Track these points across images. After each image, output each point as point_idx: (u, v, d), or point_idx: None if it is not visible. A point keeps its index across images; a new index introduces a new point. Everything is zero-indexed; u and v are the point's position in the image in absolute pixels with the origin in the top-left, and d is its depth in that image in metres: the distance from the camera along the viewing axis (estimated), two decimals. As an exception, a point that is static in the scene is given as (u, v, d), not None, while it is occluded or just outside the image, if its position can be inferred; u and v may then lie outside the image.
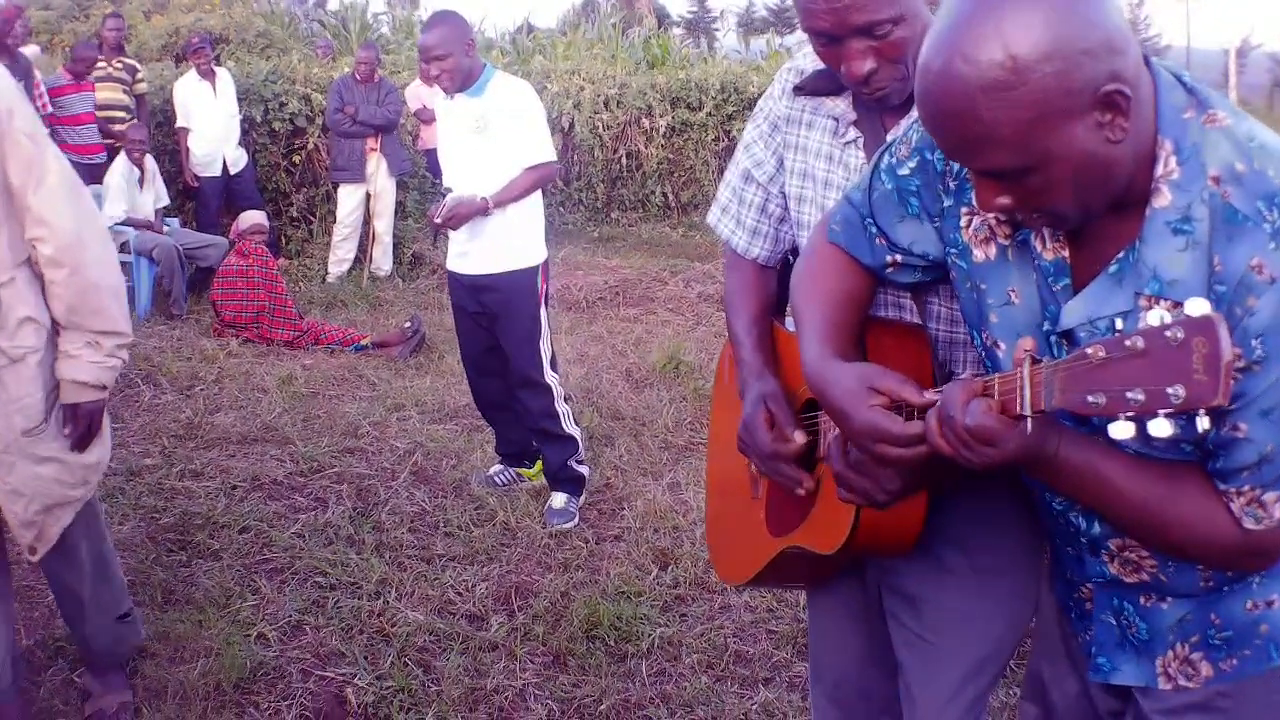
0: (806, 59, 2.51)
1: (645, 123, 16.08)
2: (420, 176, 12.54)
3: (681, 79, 16.81)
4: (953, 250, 2.08)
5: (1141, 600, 2.04)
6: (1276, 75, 45.88)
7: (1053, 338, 1.90)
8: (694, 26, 60.15)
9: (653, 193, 16.16)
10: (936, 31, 1.70)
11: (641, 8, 34.27)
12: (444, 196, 5.72)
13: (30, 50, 11.89)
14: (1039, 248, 1.91)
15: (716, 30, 58.81)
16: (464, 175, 5.70)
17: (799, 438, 2.33)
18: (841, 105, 2.45)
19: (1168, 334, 1.48)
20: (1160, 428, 1.49)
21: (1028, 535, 2.34)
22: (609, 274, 12.08)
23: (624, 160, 16.06)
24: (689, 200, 16.20)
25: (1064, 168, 1.67)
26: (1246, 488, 1.77)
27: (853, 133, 2.44)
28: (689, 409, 7.52)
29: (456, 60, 5.54)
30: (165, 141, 11.78)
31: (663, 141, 16.12)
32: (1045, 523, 2.19)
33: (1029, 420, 1.69)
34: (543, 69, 17.57)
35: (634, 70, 19.04)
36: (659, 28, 30.87)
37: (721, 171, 15.87)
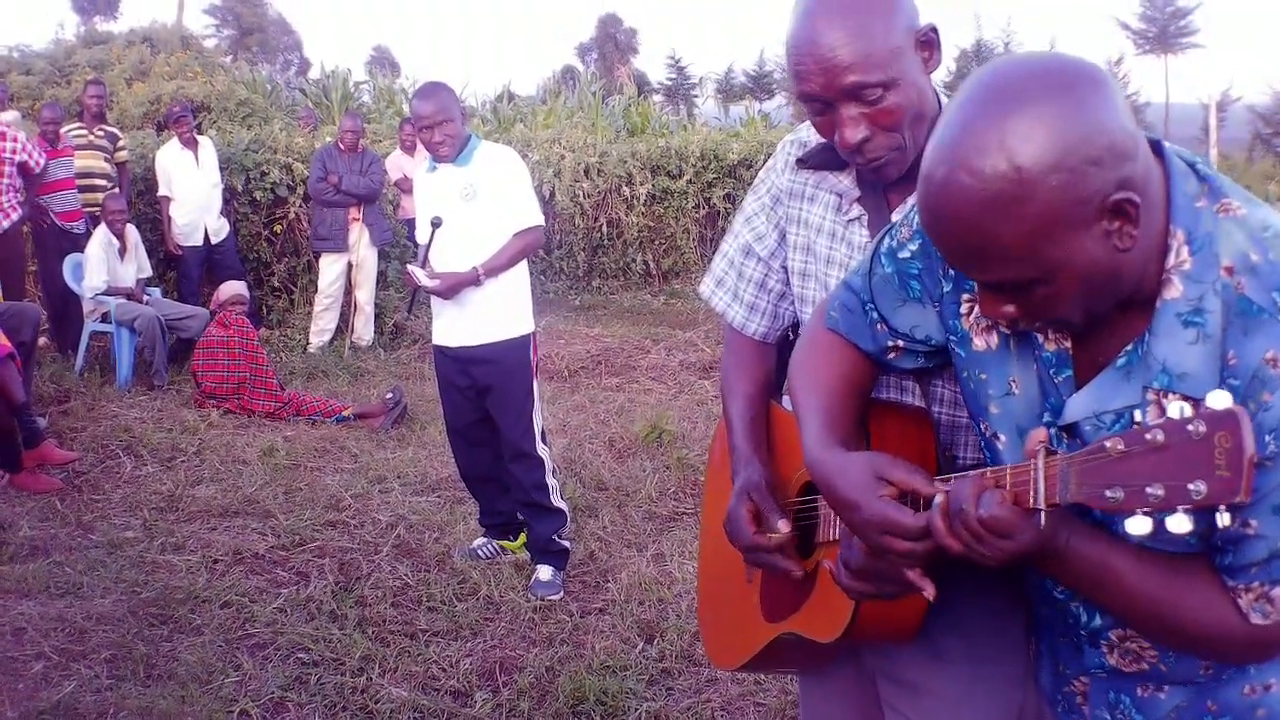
0: (809, 131, 2.48)
1: (626, 191, 16.14)
2: (402, 246, 12.54)
3: (661, 147, 16.91)
4: (953, 337, 2.04)
5: (1139, 691, 2.00)
6: (1257, 129, 45.94)
7: (1053, 430, 1.85)
8: (673, 93, 60.46)
9: (634, 260, 16.21)
10: (938, 139, 1.67)
11: (621, 75, 34.61)
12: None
13: (11, 115, 11.89)
14: (1040, 338, 1.88)
15: (695, 97, 59.13)
16: (453, 244, 5.71)
17: (783, 528, 2.30)
18: (845, 181, 2.42)
19: (1189, 428, 1.45)
20: (1179, 523, 1.47)
21: (1020, 622, 2.30)
22: (591, 343, 12.08)
23: (605, 228, 16.11)
24: (670, 268, 16.25)
25: (1071, 279, 1.64)
26: (1256, 584, 1.73)
27: (856, 209, 2.41)
28: (673, 478, 7.49)
29: (457, 126, 5.59)
30: (147, 210, 11.76)
31: (643, 209, 16.18)
32: (1040, 612, 2.15)
33: (1043, 513, 1.65)
34: (523, 137, 17.63)
35: (614, 138, 19.16)
36: (639, 95, 31.06)
37: (702, 239, 16.02)
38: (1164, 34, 61.04)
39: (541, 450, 5.86)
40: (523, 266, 5.85)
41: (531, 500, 5.86)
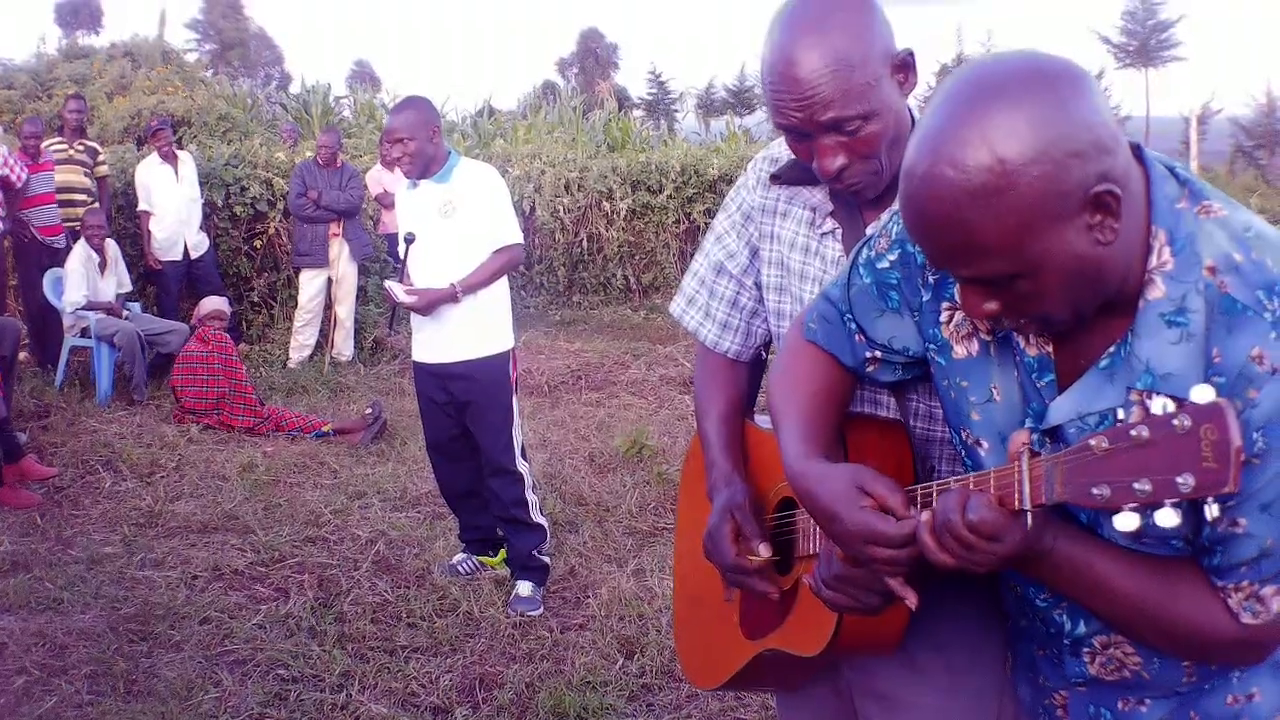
0: (781, 147, 2.49)
1: (606, 206, 16.13)
2: (382, 261, 12.53)
3: (642, 162, 16.90)
4: (931, 346, 2.05)
5: (1119, 704, 2.00)
6: (1238, 141, 45.86)
7: (1036, 434, 1.84)
8: (654, 108, 60.57)
9: (614, 275, 16.19)
10: (920, 134, 1.68)
11: (602, 90, 34.63)
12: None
13: (-9, 129, 11.87)
14: (1021, 343, 1.89)
15: (676, 112, 59.20)
16: (432, 260, 5.72)
17: (764, 551, 2.31)
18: (818, 195, 2.43)
19: (1175, 422, 1.47)
20: (1167, 518, 1.48)
21: (997, 635, 2.31)
22: (571, 357, 12.07)
23: (585, 243, 16.09)
24: (650, 283, 16.24)
25: (1054, 272, 1.65)
26: (1245, 583, 1.74)
27: (830, 224, 2.42)
28: (653, 493, 7.50)
29: (420, 145, 5.56)
30: (127, 225, 11.75)
31: (623, 224, 16.16)
32: (1020, 624, 2.15)
33: (1029, 514, 1.66)
34: (503, 152, 17.63)
35: (594, 153, 19.13)
36: (619, 110, 31.05)
37: (682, 254, 16.01)
38: (1145, 47, 61.14)
39: (521, 466, 5.87)
40: (502, 283, 5.85)
41: (511, 516, 5.86)
